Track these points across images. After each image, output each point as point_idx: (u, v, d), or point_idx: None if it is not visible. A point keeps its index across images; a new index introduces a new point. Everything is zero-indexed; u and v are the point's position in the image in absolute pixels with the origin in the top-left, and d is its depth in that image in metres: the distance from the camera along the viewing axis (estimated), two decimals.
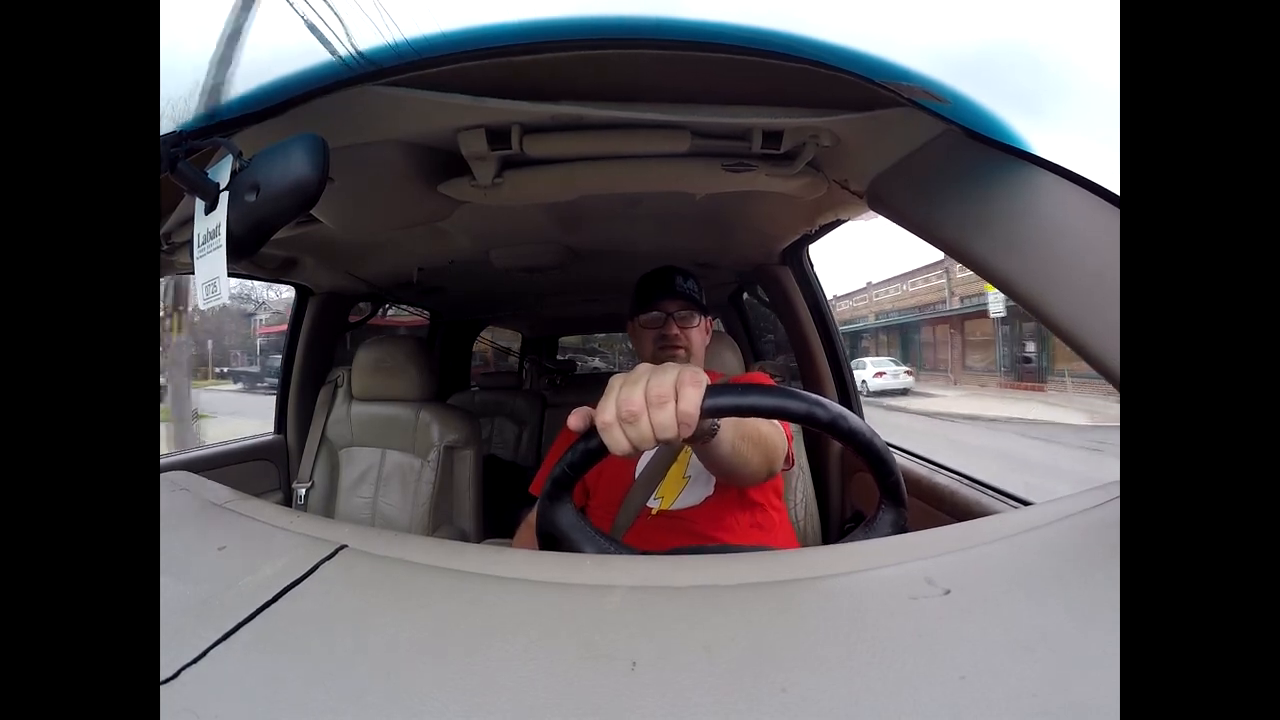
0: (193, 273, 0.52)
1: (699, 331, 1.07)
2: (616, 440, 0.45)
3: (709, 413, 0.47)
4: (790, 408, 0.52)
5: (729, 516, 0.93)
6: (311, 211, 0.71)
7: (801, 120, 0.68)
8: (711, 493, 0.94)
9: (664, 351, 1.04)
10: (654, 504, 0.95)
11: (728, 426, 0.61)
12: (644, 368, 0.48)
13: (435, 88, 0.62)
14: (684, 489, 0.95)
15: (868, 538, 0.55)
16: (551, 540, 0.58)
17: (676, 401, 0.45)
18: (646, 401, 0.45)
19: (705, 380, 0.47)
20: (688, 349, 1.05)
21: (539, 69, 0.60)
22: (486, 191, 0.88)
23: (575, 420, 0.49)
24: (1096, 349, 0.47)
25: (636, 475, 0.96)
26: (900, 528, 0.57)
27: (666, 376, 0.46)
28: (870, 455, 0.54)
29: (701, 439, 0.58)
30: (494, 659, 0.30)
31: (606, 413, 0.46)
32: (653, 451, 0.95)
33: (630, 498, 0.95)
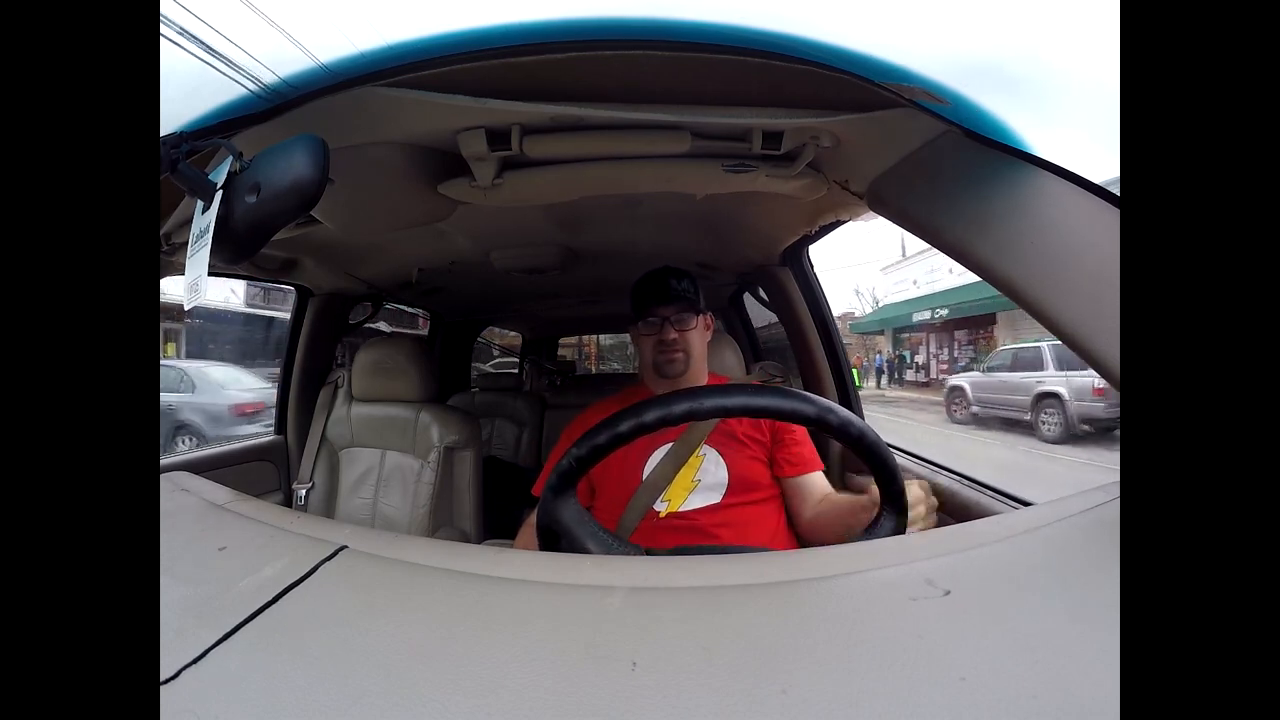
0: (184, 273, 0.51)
1: (697, 332, 1.07)
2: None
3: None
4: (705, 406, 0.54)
5: (734, 521, 0.93)
6: (312, 212, 0.71)
7: (802, 121, 0.68)
8: (719, 500, 0.94)
9: (663, 356, 1.03)
10: (661, 506, 0.95)
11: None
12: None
13: (435, 88, 0.62)
14: (692, 493, 0.95)
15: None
16: (552, 537, 0.57)
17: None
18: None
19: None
20: (686, 352, 1.04)
21: (539, 70, 0.60)
22: (486, 192, 0.88)
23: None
24: (1097, 349, 0.47)
25: (644, 476, 0.96)
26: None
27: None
28: (790, 412, 0.56)
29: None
30: (494, 660, 0.30)
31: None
32: (661, 453, 0.96)
33: (637, 498, 0.95)
